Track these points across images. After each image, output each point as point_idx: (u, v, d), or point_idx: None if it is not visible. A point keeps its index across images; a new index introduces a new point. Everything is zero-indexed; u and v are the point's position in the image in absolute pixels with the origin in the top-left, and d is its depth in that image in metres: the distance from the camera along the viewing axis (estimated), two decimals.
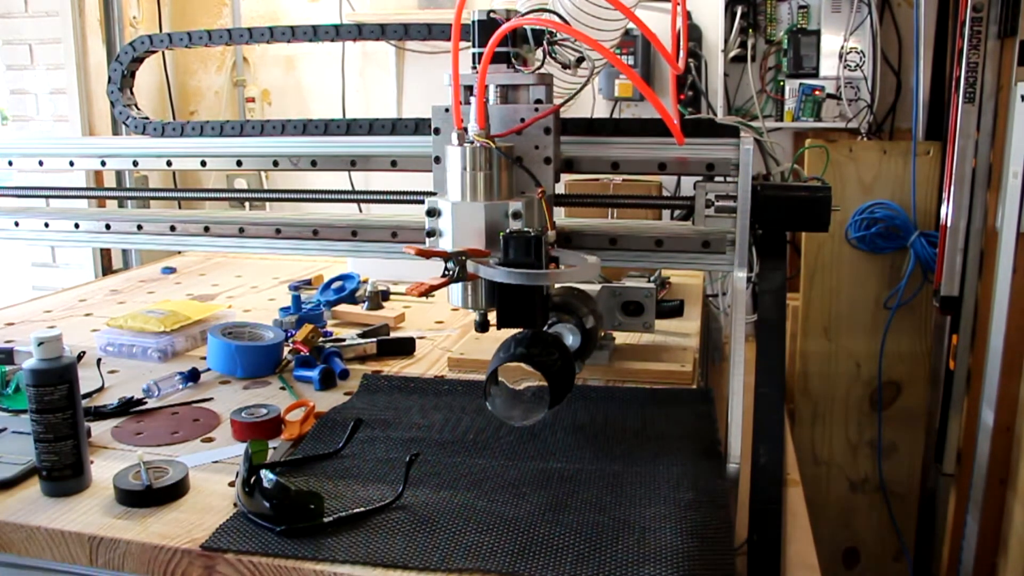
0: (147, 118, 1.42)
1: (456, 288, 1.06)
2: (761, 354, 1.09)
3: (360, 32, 1.30)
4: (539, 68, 1.10)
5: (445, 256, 0.98)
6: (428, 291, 0.95)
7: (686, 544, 0.85)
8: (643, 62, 2.22)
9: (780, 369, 1.10)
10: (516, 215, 1.02)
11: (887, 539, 2.21)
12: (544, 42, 1.09)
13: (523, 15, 1.07)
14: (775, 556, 1.08)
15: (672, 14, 1.09)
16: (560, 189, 1.86)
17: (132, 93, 1.46)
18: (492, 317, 1.07)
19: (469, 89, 1.11)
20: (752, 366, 1.09)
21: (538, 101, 1.11)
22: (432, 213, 1.05)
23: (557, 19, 1.10)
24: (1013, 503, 1.70)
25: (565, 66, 1.11)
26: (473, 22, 1.09)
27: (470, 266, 0.98)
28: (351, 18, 2.34)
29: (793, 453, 1.92)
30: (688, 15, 2.24)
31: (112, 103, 1.45)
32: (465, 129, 1.04)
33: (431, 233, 1.06)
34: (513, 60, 1.09)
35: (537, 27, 1.07)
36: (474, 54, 1.10)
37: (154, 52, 1.43)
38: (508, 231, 0.98)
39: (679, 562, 0.82)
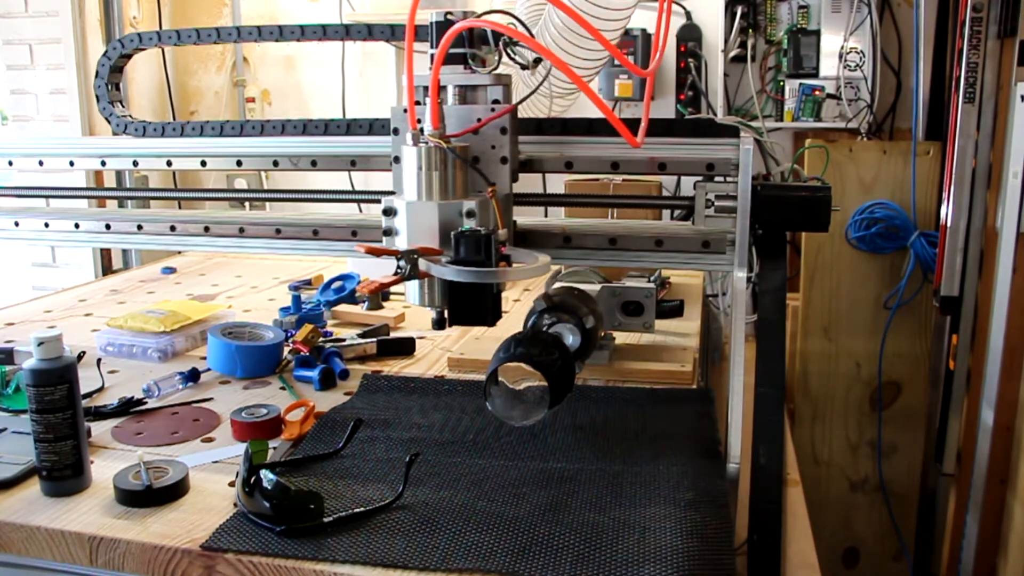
0: (145, 123, 1.42)
1: (413, 286, 1.07)
2: (761, 354, 1.09)
3: (348, 32, 1.30)
4: (495, 69, 1.10)
5: (397, 254, 0.99)
6: (378, 289, 0.97)
7: (686, 544, 0.85)
8: (643, 62, 2.22)
9: (780, 369, 1.10)
10: (470, 214, 1.03)
11: (887, 539, 2.21)
12: (500, 43, 1.08)
13: (478, 16, 1.06)
14: (775, 556, 1.08)
15: (659, 12, 1.10)
16: (560, 189, 1.87)
17: (123, 105, 1.47)
18: None
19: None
20: (752, 366, 1.09)
21: (495, 101, 1.11)
22: (388, 212, 1.06)
23: (515, 21, 1.09)
24: (1013, 503, 1.70)
25: (524, 66, 1.11)
26: (431, 23, 1.10)
27: (422, 264, 0.99)
28: (351, 18, 2.34)
29: (793, 453, 1.92)
30: (688, 15, 2.25)
31: (108, 119, 1.45)
32: (421, 129, 1.05)
33: (388, 232, 1.07)
34: (470, 61, 1.09)
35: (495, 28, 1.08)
36: (432, 55, 1.10)
37: (129, 57, 1.44)
38: (459, 230, 0.99)
39: (679, 562, 0.82)
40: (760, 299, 1.10)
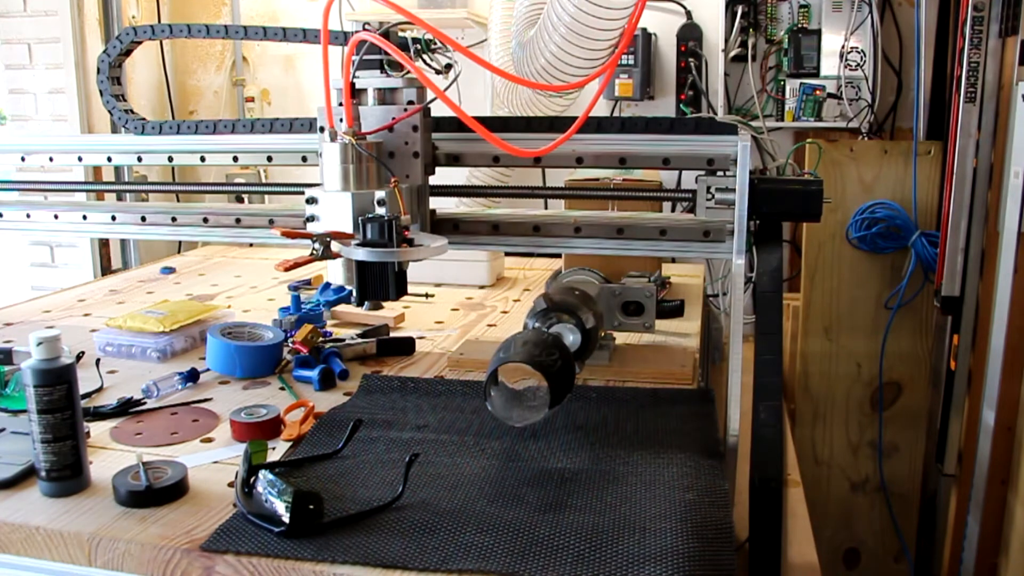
0: (157, 125, 1.44)
1: (336, 267, 1.18)
2: (761, 324, 1.13)
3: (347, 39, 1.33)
4: (407, 73, 1.22)
5: (311, 236, 1.11)
6: (292, 267, 1.09)
7: (686, 544, 0.85)
8: (643, 61, 2.22)
9: (778, 339, 1.14)
10: (381, 202, 1.15)
11: (888, 540, 2.21)
12: (411, 51, 1.20)
13: (390, 27, 1.19)
14: (775, 556, 1.08)
15: (630, 16, 1.13)
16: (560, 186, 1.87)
17: (133, 112, 1.48)
18: None
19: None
20: (750, 366, 1.10)
21: (410, 102, 1.24)
22: (311, 201, 1.17)
23: (429, 33, 1.20)
24: (1014, 503, 1.70)
25: (437, 71, 1.25)
26: (352, 32, 1.20)
27: (334, 246, 1.11)
28: (351, 17, 2.34)
29: (794, 453, 1.91)
30: (688, 15, 2.25)
31: (111, 111, 1.46)
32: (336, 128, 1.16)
33: (310, 218, 1.18)
34: (387, 66, 1.22)
35: (409, 36, 1.22)
36: (353, 60, 1.21)
37: (128, 54, 1.45)
38: (367, 215, 1.11)
39: (679, 562, 0.82)
40: (758, 278, 1.15)
